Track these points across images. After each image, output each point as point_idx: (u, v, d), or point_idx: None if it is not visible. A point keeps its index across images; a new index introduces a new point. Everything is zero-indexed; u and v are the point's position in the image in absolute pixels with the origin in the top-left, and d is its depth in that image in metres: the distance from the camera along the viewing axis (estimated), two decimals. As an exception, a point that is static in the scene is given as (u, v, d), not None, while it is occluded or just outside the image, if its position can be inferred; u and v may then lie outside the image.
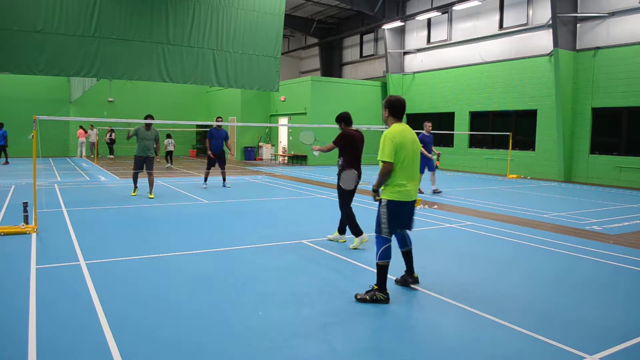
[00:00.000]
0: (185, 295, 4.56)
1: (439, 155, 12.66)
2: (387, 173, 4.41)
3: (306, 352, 3.43)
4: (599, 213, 9.89)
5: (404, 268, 4.98)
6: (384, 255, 4.44)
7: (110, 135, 25.15)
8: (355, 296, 4.49)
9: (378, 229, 4.50)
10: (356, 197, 7.19)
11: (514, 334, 3.81)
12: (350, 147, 6.48)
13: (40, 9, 10.90)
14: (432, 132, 12.33)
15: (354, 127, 6.74)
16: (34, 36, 10.89)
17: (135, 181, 11.22)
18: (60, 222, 7.83)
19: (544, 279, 5.38)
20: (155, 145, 10.92)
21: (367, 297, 4.42)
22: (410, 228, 4.76)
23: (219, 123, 12.53)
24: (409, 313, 4.30)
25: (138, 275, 5.14)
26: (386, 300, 4.42)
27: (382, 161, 4.40)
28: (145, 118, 10.75)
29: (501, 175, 18.11)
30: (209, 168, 13.11)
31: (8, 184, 12.87)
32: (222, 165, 13.17)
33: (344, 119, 6.60)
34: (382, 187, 4.54)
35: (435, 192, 12.36)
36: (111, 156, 25.35)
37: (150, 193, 10.90)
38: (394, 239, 4.72)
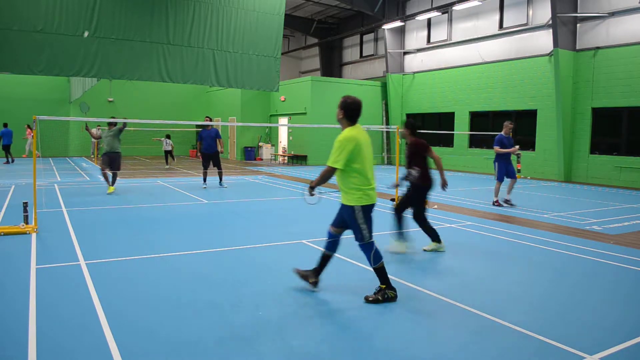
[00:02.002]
0: (185, 295, 4.56)
1: (519, 156, 10.99)
2: (329, 176, 4.36)
3: (307, 352, 3.43)
4: (599, 213, 9.89)
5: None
6: (377, 259, 4.44)
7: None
8: (367, 298, 4.44)
9: (360, 237, 4.41)
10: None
11: (514, 334, 3.81)
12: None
13: (40, 9, 10.91)
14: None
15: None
16: (34, 36, 10.90)
17: (106, 178, 11.54)
18: (60, 222, 7.83)
19: (544, 279, 5.39)
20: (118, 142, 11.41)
21: (380, 297, 4.41)
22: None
23: (208, 123, 12.52)
24: (409, 313, 4.29)
25: (138, 276, 5.14)
26: (396, 296, 4.45)
27: (330, 166, 4.28)
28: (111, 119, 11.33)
29: (501, 175, 18.07)
30: (205, 169, 13.11)
31: (8, 184, 12.88)
32: (218, 165, 13.13)
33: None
34: (348, 194, 4.36)
35: (506, 202, 10.55)
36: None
37: (111, 186, 11.33)
38: (326, 237, 4.69)
